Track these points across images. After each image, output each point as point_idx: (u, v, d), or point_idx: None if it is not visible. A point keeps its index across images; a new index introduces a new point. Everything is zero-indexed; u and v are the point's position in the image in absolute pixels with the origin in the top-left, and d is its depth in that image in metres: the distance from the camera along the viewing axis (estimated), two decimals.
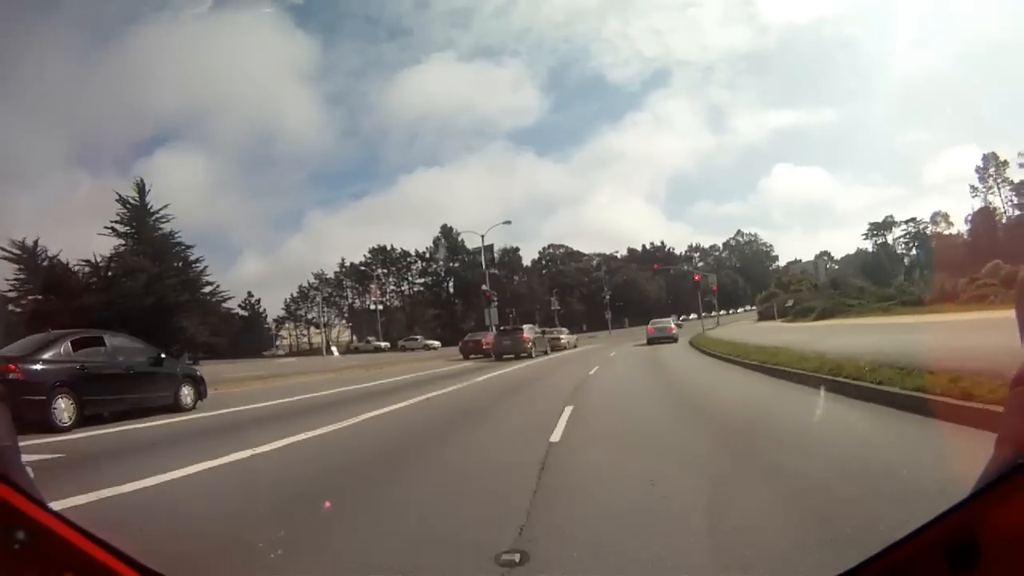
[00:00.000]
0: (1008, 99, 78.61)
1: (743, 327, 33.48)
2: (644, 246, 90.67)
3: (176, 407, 11.24)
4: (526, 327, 26.44)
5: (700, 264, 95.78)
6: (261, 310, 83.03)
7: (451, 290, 75.22)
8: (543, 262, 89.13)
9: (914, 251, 77.15)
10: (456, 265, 71.83)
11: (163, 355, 11.51)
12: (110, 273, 42.47)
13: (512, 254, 76.59)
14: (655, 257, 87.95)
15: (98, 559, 0.75)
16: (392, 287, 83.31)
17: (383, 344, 60.51)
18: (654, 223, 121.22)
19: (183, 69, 78.27)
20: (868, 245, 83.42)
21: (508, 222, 35.90)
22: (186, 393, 11.60)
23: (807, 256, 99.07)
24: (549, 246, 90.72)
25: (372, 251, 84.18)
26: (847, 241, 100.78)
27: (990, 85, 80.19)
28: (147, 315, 38.75)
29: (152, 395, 11.01)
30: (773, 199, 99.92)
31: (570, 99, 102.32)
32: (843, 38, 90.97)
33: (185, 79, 78.43)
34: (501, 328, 28.92)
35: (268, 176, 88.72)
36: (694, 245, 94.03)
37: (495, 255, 79.80)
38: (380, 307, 63.14)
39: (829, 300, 36.12)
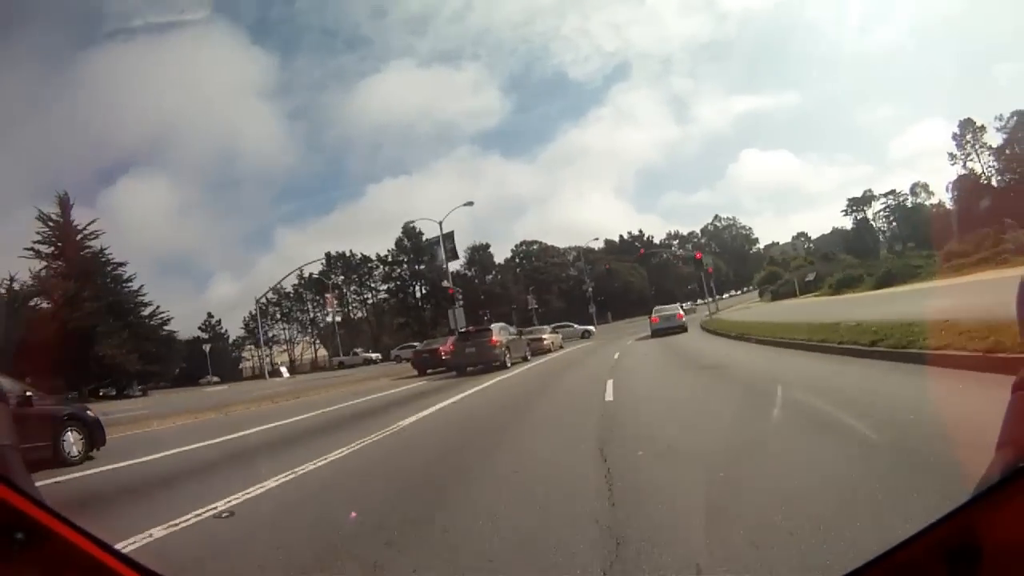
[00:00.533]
0: (964, 69, 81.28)
1: (766, 308, 29.04)
2: (622, 236, 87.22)
3: (57, 460, 8.41)
4: (495, 327, 19.78)
5: (679, 252, 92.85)
6: (223, 331, 77.52)
7: (418, 295, 69.90)
8: (517, 259, 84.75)
9: (894, 224, 75.73)
10: (422, 267, 66.55)
11: (29, 394, 8.68)
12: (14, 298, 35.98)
13: (482, 251, 71.68)
14: (634, 248, 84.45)
15: (98, 559, 0.75)
16: (356, 296, 77.79)
17: (374, 356, 54.71)
18: (625, 216, 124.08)
19: (141, 94, 75.70)
20: (847, 222, 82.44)
21: (470, 203, 30.53)
22: (71, 441, 8.86)
23: (781, 239, 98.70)
24: (522, 242, 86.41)
25: (330, 258, 78.51)
26: (820, 221, 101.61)
27: (946, 57, 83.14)
28: (60, 344, 32.66)
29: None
30: (742, 185, 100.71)
31: (533, 98, 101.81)
32: (801, 21, 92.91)
33: (143, 104, 77.73)
34: (463, 331, 21.77)
35: (234, 196, 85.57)
36: (672, 233, 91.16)
37: (464, 254, 75.61)
38: (339, 318, 57.38)
39: (892, 263, 30.54)
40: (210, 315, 73.73)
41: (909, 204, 71.38)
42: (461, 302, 28.11)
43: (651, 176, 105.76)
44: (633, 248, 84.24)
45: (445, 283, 29.32)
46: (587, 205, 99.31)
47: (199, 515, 4.47)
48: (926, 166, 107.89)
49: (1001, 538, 0.70)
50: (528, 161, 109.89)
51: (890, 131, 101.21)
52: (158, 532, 4.04)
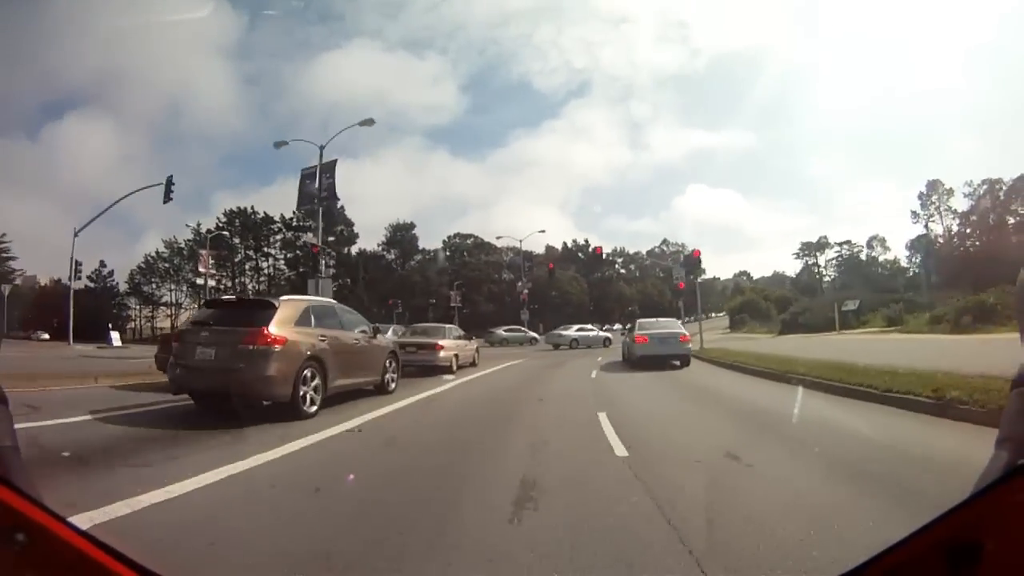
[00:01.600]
0: (918, 141, 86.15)
1: (798, 344, 20.00)
2: (565, 244, 79.39)
3: None
4: (286, 304, 7.42)
5: (622, 272, 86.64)
6: (113, 284, 63.60)
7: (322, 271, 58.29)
8: (447, 252, 74.91)
9: (837, 273, 73.37)
10: (331, 238, 55.21)
11: None
12: None
13: (406, 231, 60.78)
14: (576, 257, 76.98)
15: (98, 561, 0.75)
16: (251, 260, 64.82)
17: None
18: (566, 233, 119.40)
19: (95, 29, 63.43)
20: (788, 267, 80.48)
21: (371, 121, 19.42)
22: None
23: (720, 275, 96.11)
24: (456, 234, 76.68)
25: (228, 214, 65.31)
26: (758, 263, 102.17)
27: (904, 127, 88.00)
28: None
29: None
30: (686, 218, 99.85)
31: (491, 101, 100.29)
32: (771, 70, 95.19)
33: (97, 40, 69.82)
34: (211, 303, 10.77)
35: (176, 153, 79.39)
36: (619, 250, 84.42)
37: (385, 232, 64.41)
38: (212, 282, 45.24)
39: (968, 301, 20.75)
40: (102, 264, 60.06)
41: (864, 256, 69.04)
42: (332, 270, 18.10)
43: (597, 196, 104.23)
44: (576, 257, 76.69)
45: (310, 236, 18.65)
46: (529, 215, 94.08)
47: None
48: (872, 223, 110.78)
49: (1001, 535, 0.70)
50: (475, 162, 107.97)
51: (840, 185, 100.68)
52: None
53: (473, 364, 16.18)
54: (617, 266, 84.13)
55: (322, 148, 18.25)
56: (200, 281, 48.57)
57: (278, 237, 60.20)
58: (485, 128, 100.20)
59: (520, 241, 40.92)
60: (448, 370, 14.00)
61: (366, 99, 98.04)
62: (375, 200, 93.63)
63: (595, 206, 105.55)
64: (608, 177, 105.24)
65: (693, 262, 22.18)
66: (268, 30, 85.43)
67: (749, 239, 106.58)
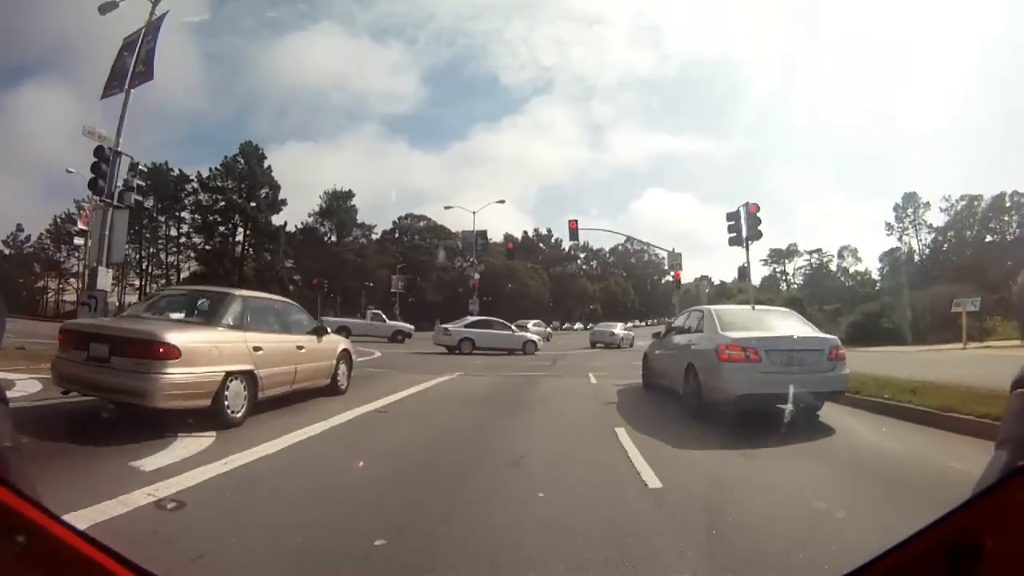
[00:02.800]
0: (878, 161, 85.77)
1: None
2: (526, 233, 73.34)
3: None
4: None
5: (584, 268, 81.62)
6: (28, 251, 55.08)
7: (241, 239, 49.29)
8: (396, 234, 67.71)
9: (801, 281, 70.88)
10: (252, 204, 46.88)
11: None
12: None
13: (343, 200, 52.70)
14: (537, 248, 71.22)
15: (98, 562, 0.74)
16: (161, 223, 55.64)
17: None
18: (521, 230, 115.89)
19: None
20: (761, 272, 77.52)
21: None
22: None
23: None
24: (407, 215, 69.51)
25: (149, 169, 55.71)
26: (716, 269, 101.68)
27: (868, 147, 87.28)
28: None
29: None
30: (642, 221, 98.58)
31: (456, 93, 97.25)
32: (740, 79, 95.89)
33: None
34: None
35: (133, 126, 65.03)
36: (582, 244, 79.06)
37: (321, 200, 56.09)
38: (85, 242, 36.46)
39: None
40: (19, 227, 50.29)
41: (833, 266, 66.49)
42: (136, 196, 10.81)
43: (554, 194, 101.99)
44: (537, 248, 70.90)
45: (101, 131, 10.90)
46: (486, 209, 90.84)
47: None
48: (834, 235, 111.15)
49: (1001, 535, 0.69)
50: (434, 154, 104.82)
51: (799, 197, 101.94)
52: None
53: (336, 388, 7.98)
54: (580, 262, 78.92)
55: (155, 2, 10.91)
56: (79, 241, 39.66)
57: (192, 199, 51.06)
58: (445, 121, 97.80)
59: (474, 212, 34.34)
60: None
61: (327, 83, 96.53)
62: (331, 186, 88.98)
63: (552, 204, 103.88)
64: (566, 176, 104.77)
65: (753, 220, 12.56)
66: (237, 4, 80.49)
67: (707, 246, 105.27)
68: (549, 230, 74.58)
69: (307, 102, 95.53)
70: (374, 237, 58.35)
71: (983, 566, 0.69)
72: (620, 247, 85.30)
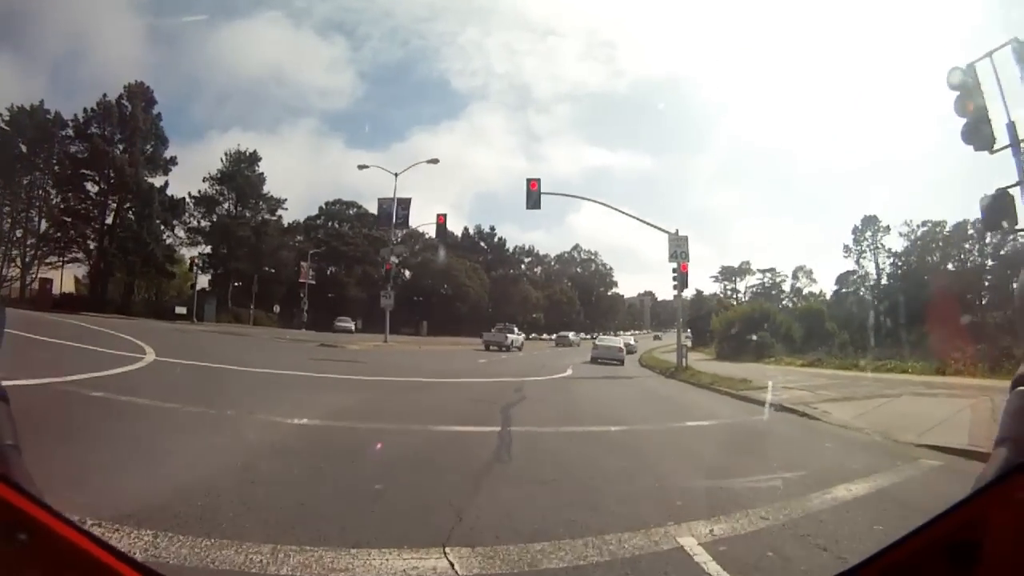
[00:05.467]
0: (836, 184, 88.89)
1: None
2: (466, 229, 66.18)
3: None
4: None
5: (528, 274, 75.51)
6: None
7: (107, 202, 38.35)
8: (319, 220, 58.92)
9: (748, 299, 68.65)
10: (126, 155, 36.82)
11: None
12: None
13: (248, 163, 42.68)
14: (478, 247, 64.37)
15: (99, 559, 0.74)
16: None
17: None
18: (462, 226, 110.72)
19: None
20: (710, 289, 75.00)
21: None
22: None
23: (621, 293, 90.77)
24: (336, 201, 60.83)
25: (13, 111, 43.52)
26: (659, 284, 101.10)
27: (807, 169, 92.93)
28: None
29: None
30: (579, 234, 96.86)
31: (399, 94, 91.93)
32: (688, 99, 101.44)
33: None
34: None
35: (77, 103, 62.25)
36: (525, 247, 72.86)
37: (223, 161, 45.37)
38: None
39: None
40: None
41: (787, 287, 64.25)
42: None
43: (489, 202, 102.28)
44: (478, 247, 63.95)
45: None
46: (422, 214, 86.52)
47: None
48: (767, 258, 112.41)
49: (1001, 534, 0.70)
50: (371, 154, 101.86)
51: (734, 217, 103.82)
52: None
53: None
54: (523, 266, 72.75)
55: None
56: None
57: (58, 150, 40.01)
58: (385, 121, 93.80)
59: (396, 175, 27.15)
60: None
61: (265, 74, 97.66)
62: (274, 182, 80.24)
63: (490, 212, 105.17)
64: (502, 184, 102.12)
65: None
66: None
67: (645, 262, 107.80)
68: (492, 228, 67.92)
69: (247, 91, 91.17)
70: (281, 213, 49.05)
71: (982, 564, 0.69)
72: (566, 254, 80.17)
